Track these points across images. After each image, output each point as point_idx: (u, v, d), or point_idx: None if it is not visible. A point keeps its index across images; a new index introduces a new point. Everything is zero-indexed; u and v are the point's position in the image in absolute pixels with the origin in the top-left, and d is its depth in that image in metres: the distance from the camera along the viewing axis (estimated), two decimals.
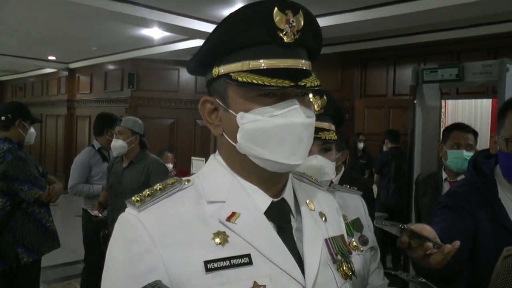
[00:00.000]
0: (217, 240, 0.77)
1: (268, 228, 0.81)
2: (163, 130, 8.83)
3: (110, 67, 9.54)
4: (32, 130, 3.09)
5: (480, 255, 1.44)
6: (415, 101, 3.54)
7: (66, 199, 4.11)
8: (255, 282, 0.75)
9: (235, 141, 0.81)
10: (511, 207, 1.46)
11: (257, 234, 0.80)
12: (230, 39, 0.79)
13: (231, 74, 0.79)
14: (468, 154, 2.56)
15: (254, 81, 0.76)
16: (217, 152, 0.89)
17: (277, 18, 0.78)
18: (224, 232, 0.78)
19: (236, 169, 0.85)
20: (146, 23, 5.88)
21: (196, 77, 8.89)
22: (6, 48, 8.89)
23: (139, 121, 3.35)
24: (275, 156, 0.78)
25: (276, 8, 0.78)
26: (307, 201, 0.92)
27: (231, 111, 0.81)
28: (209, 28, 6.03)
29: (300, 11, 0.80)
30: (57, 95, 11.22)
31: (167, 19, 5.73)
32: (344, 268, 0.90)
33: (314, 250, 0.85)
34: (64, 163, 10.24)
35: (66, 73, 10.79)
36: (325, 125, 1.38)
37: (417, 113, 3.55)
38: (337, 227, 0.96)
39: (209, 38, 0.82)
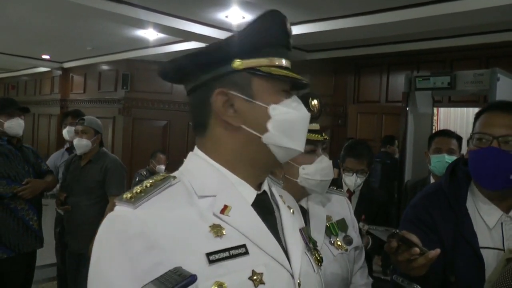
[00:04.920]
0: (214, 232, 0.79)
1: (257, 219, 0.85)
2: (156, 132, 8.80)
3: (104, 67, 9.51)
4: (9, 123, 2.94)
5: (446, 266, 1.36)
6: (407, 108, 3.57)
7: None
8: (253, 270, 0.78)
9: (261, 132, 0.85)
10: (477, 218, 1.37)
11: (249, 225, 0.83)
12: (262, 36, 0.87)
13: (261, 67, 0.85)
14: (450, 158, 2.59)
15: (287, 75, 0.86)
16: (195, 148, 0.92)
17: (288, 26, 0.90)
18: (219, 224, 0.80)
19: (227, 162, 0.87)
20: (141, 24, 5.86)
21: None
22: (0, 45, 8.84)
23: (99, 121, 3.43)
24: (295, 145, 0.87)
25: (284, 18, 0.90)
26: (280, 195, 0.98)
27: (258, 102, 0.85)
28: (204, 30, 6.04)
29: None
30: (50, 94, 11.14)
31: (163, 21, 5.71)
32: (316, 255, 0.99)
33: (295, 239, 0.91)
34: None
35: (59, 72, 10.72)
36: (319, 126, 1.42)
37: (409, 120, 3.58)
38: (300, 220, 1.04)
39: (244, 31, 0.87)
